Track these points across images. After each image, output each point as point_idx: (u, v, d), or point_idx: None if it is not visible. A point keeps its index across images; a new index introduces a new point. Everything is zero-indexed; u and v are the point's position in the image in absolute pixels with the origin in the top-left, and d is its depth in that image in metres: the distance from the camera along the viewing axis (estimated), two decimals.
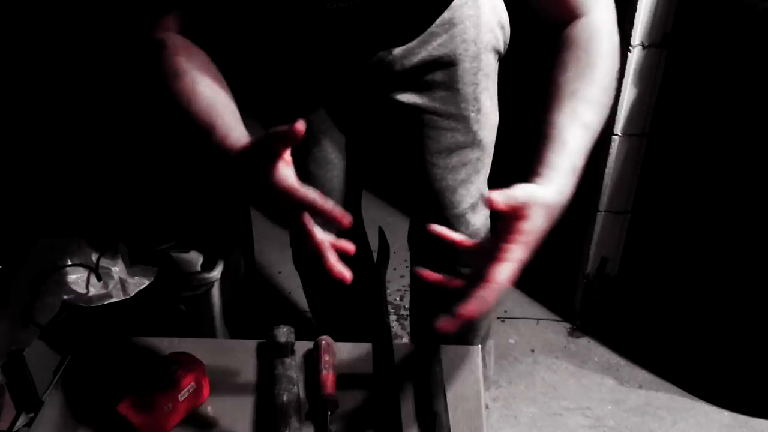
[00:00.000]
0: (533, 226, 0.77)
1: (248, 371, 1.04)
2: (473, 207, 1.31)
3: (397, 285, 2.18)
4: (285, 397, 0.95)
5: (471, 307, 0.75)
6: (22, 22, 1.43)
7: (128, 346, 1.04)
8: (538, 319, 2.06)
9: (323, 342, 1.04)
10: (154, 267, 1.43)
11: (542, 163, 0.82)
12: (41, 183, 1.50)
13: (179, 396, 0.94)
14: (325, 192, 1.33)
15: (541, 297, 2.12)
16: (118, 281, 1.35)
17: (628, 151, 1.84)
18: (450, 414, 0.95)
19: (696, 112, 1.75)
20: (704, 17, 1.66)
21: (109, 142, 1.57)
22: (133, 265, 1.41)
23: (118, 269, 1.36)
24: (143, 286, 1.39)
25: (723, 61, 1.65)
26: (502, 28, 1.22)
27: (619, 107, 1.77)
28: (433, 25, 1.14)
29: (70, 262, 1.31)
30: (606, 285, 2.01)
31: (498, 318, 2.03)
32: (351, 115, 1.30)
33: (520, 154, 0.95)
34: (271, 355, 1.03)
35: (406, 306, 2.11)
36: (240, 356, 1.06)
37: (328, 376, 0.99)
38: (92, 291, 1.31)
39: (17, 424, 1.15)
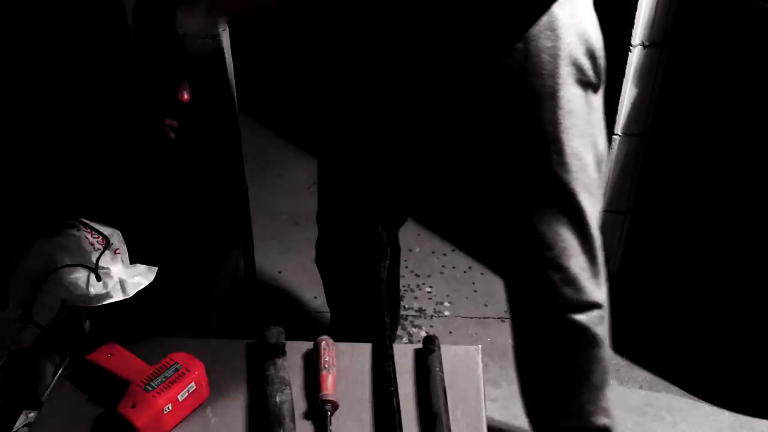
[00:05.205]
0: None
1: (246, 372, 1.04)
2: (565, 251, 1.17)
3: None
4: (278, 398, 0.95)
5: None
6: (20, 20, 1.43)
7: (128, 346, 1.04)
8: None
9: (323, 342, 1.04)
10: (154, 267, 1.43)
11: None
12: (41, 183, 1.49)
13: (179, 396, 0.94)
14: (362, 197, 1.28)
15: None
16: (118, 281, 1.35)
17: (628, 151, 1.84)
18: (450, 414, 0.95)
19: (696, 111, 1.75)
20: (704, 17, 1.66)
21: (110, 142, 1.57)
22: (132, 265, 1.40)
23: (117, 269, 1.36)
24: (143, 286, 1.39)
25: (723, 60, 1.65)
26: (592, 56, 1.09)
27: (619, 107, 1.77)
28: (505, 57, 1.03)
29: (69, 262, 1.31)
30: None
31: (498, 318, 2.03)
32: (420, 146, 1.23)
33: None
34: (263, 357, 1.03)
35: (406, 306, 2.10)
36: (239, 357, 1.06)
37: (328, 376, 0.99)
38: (92, 291, 1.31)
39: (17, 424, 1.15)
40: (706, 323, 1.87)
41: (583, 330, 1.21)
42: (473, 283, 2.14)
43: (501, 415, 1.77)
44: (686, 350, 1.92)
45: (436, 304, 2.09)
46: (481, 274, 2.17)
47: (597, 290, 1.21)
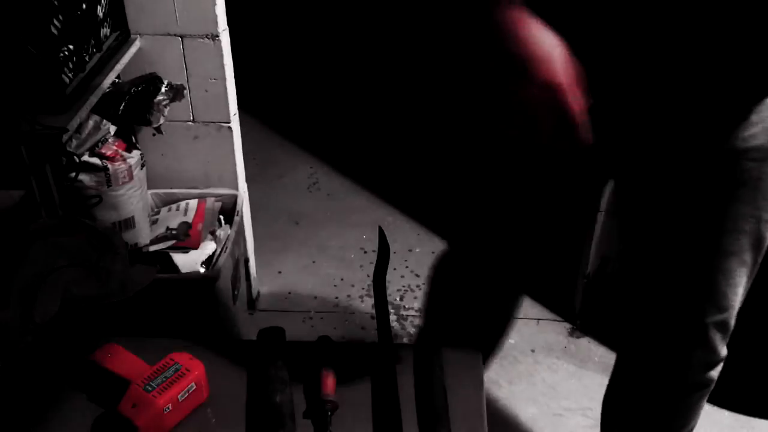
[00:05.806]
0: None
1: (246, 372, 1.04)
2: (734, 310, 1.14)
3: (397, 285, 2.18)
4: (278, 398, 0.95)
5: None
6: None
7: (128, 346, 1.04)
8: (538, 319, 2.06)
9: (323, 342, 1.05)
10: (154, 267, 1.44)
11: None
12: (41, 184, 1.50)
13: (179, 396, 0.94)
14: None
15: (541, 297, 2.12)
16: (118, 281, 1.35)
17: None
18: (450, 414, 0.95)
19: None
20: None
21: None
22: (133, 265, 1.40)
23: (118, 269, 1.36)
24: (143, 286, 1.39)
25: None
26: None
27: None
28: (753, 114, 0.97)
29: (69, 262, 1.31)
30: (606, 285, 2.01)
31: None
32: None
33: None
34: (264, 357, 1.03)
35: (407, 306, 2.11)
36: (239, 357, 1.06)
37: (328, 377, 0.99)
38: (92, 291, 1.31)
39: (17, 424, 1.15)
40: None
41: (710, 384, 1.20)
42: None
43: (501, 415, 1.77)
44: None
45: None
46: None
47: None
